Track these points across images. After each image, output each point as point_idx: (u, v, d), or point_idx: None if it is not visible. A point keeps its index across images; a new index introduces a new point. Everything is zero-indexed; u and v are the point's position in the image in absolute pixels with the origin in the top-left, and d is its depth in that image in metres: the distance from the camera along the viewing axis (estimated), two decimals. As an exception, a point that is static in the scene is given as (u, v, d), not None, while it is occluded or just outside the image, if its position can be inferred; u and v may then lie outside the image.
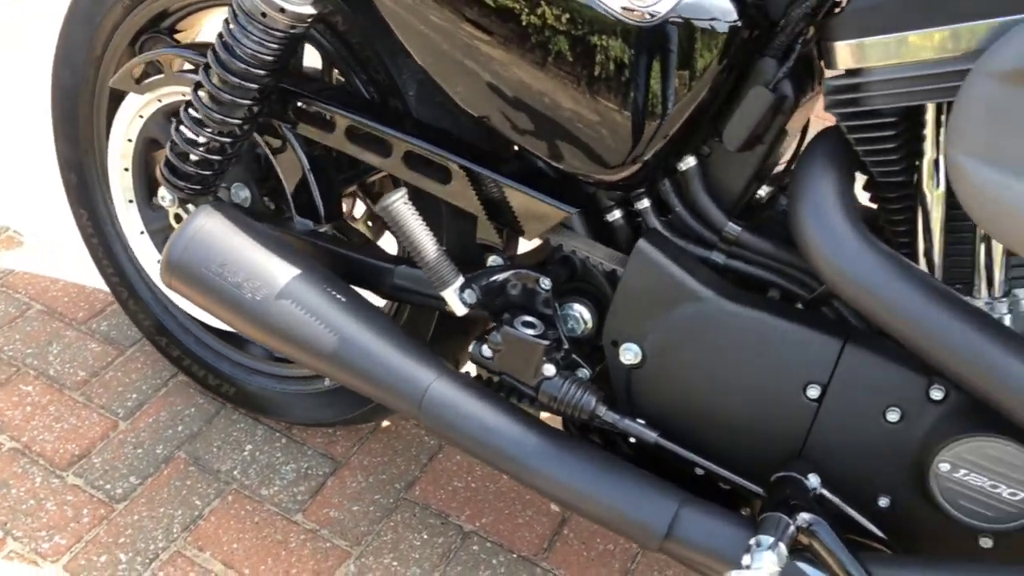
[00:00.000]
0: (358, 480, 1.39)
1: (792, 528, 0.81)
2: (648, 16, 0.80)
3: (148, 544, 1.29)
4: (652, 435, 0.94)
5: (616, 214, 0.98)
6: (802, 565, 0.80)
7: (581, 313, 1.01)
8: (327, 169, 1.11)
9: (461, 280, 0.96)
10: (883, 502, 0.88)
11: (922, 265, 0.86)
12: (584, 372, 1.00)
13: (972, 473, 0.80)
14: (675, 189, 0.94)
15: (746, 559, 0.78)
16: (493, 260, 1.02)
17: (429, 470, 1.42)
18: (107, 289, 1.56)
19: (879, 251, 0.81)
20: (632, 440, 0.99)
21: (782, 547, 0.79)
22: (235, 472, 1.39)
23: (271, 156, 1.14)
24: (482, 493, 1.39)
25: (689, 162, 0.92)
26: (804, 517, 0.82)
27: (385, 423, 1.48)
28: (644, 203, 0.95)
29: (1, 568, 1.24)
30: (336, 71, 1.15)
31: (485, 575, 1.27)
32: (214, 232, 1.00)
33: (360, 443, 1.45)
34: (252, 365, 1.40)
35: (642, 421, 0.95)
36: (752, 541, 0.80)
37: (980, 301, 0.84)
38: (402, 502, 1.37)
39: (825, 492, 0.87)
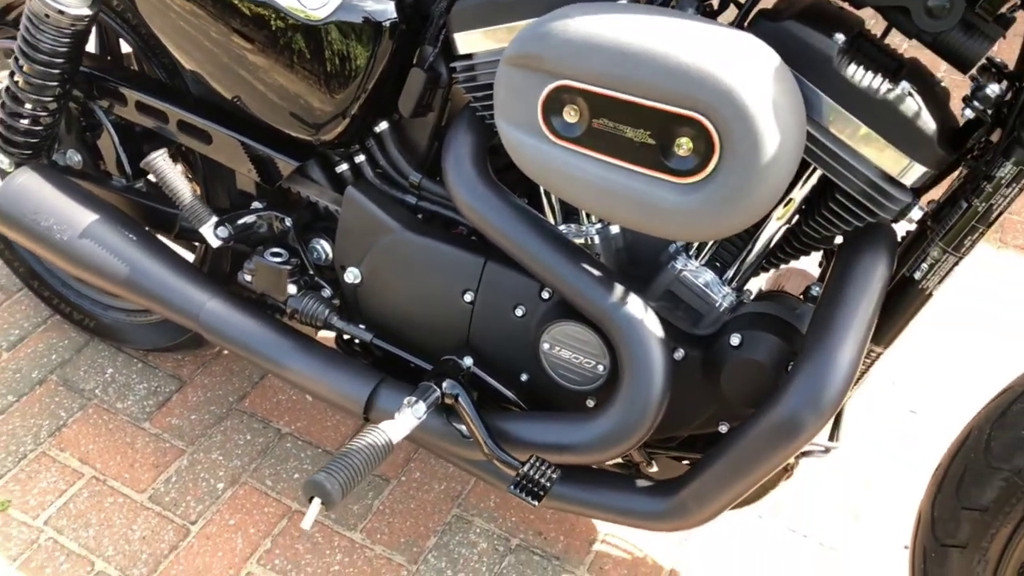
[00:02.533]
0: (198, 395, 1.68)
1: (437, 393, 1.10)
2: (313, 17, 1.07)
3: (19, 447, 1.58)
4: (368, 336, 1.23)
5: (343, 167, 1.25)
6: (434, 416, 1.10)
7: (323, 246, 1.29)
8: (132, 136, 1.38)
9: (215, 219, 1.24)
10: (524, 377, 1.17)
11: (544, 203, 1.14)
12: (326, 292, 1.29)
13: (563, 349, 1.10)
14: (378, 147, 1.21)
15: (396, 415, 1.07)
16: (255, 205, 1.30)
17: (259, 387, 1.71)
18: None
19: (496, 194, 1.08)
20: (357, 342, 1.27)
21: (420, 405, 1.08)
22: (96, 390, 1.68)
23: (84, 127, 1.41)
24: (301, 404, 1.67)
25: (383, 126, 1.19)
26: (447, 384, 1.11)
27: (224, 350, 1.77)
28: (360, 158, 1.23)
29: None
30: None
31: (293, 465, 1.57)
32: (29, 186, 1.27)
33: (203, 366, 1.74)
34: (106, 302, 1.68)
35: (363, 326, 1.24)
36: (404, 401, 1.09)
37: (591, 227, 1.11)
38: (233, 411, 1.66)
39: (476, 370, 1.16)
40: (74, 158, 1.46)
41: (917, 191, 0.92)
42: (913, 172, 0.89)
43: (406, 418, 1.07)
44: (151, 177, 1.45)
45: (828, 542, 1.47)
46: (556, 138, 0.93)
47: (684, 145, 0.86)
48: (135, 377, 1.71)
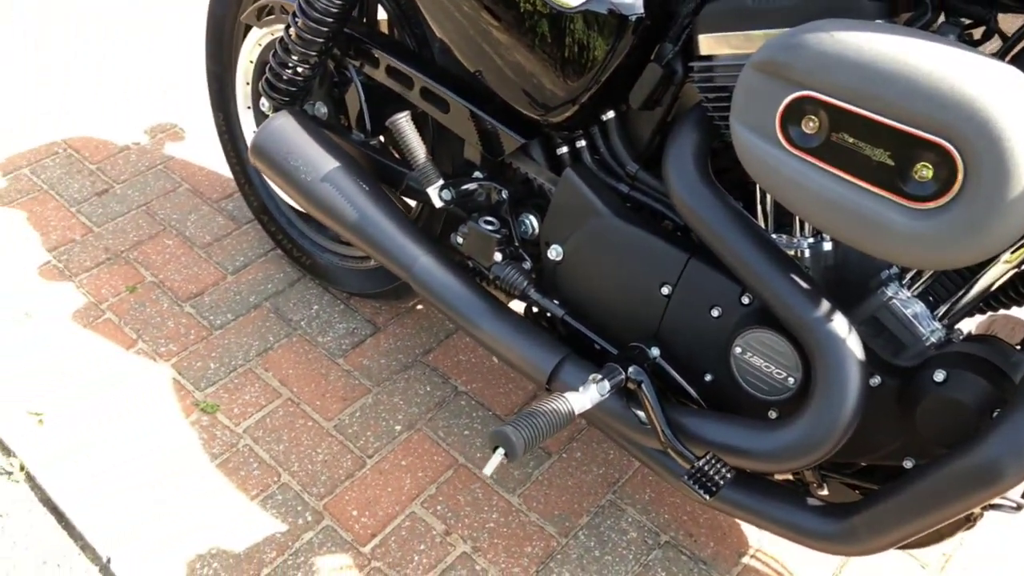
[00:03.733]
0: (390, 342, 1.81)
1: (622, 376, 1.14)
2: (567, 5, 1.13)
3: (230, 360, 1.76)
4: (560, 312, 1.29)
5: (563, 149, 1.31)
6: (614, 398, 1.14)
7: (531, 221, 1.36)
8: (377, 97, 1.51)
9: (441, 182, 1.33)
10: (708, 377, 1.19)
11: (759, 209, 1.15)
12: (527, 265, 1.36)
13: (755, 356, 1.10)
14: (600, 134, 1.26)
15: (580, 389, 1.13)
16: (476, 175, 1.39)
17: (444, 344, 1.82)
18: (233, 177, 2.05)
19: (714, 193, 1.10)
20: (548, 315, 1.33)
21: (605, 383, 1.12)
22: (302, 323, 1.85)
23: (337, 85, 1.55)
24: (479, 367, 1.77)
25: (610, 115, 1.24)
26: (633, 370, 1.15)
27: (419, 306, 1.89)
28: (581, 143, 1.29)
29: (131, 358, 1.75)
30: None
31: (464, 422, 1.66)
32: (285, 128, 1.42)
33: (397, 317, 1.87)
34: (324, 244, 1.84)
35: (557, 302, 1.30)
36: (590, 377, 1.14)
37: (804, 240, 1.11)
38: (418, 363, 1.77)
39: (662, 361, 1.19)
40: (321, 110, 1.61)
41: None
42: None
43: (591, 393, 1.12)
44: (382, 139, 1.58)
45: (995, 610, 1.39)
46: (790, 146, 0.94)
47: (924, 170, 0.85)
48: (336, 317, 1.86)
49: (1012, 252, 0.96)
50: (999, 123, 0.80)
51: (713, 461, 1.06)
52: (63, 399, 1.67)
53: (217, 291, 1.90)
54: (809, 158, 0.93)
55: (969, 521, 1.11)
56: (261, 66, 1.69)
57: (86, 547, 1.46)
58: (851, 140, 0.89)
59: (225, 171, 2.20)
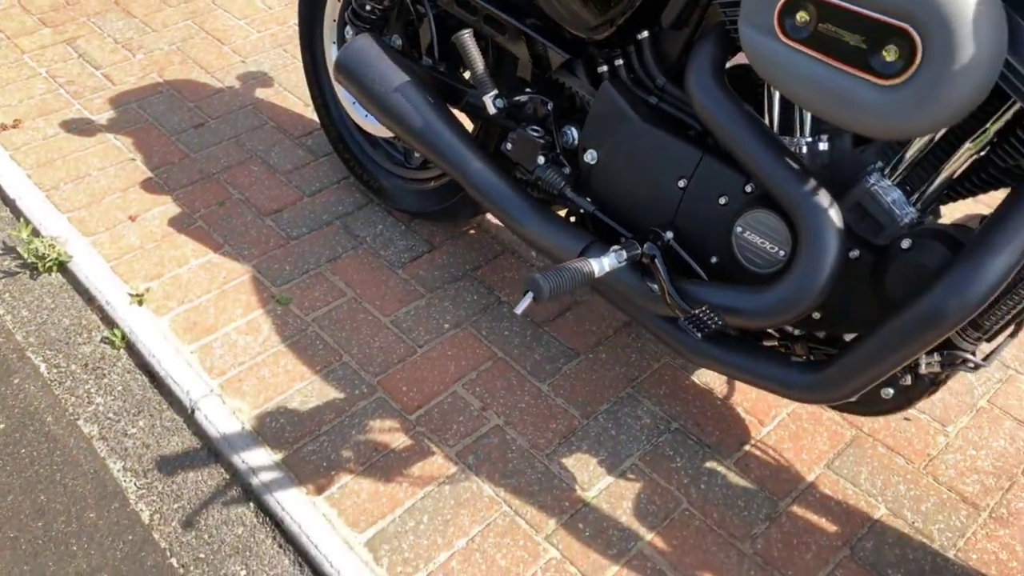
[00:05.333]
0: (443, 259, 2.03)
1: (638, 250, 1.34)
2: (610, -69, 1.34)
3: (304, 264, 2.00)
4: (592, 207, 1.49)
5: (603, 68, 1.51)
6: (631, 271, 1.33)
7: (573, 132, 1.56)
8: (445, 28, 1.73)
9: (496, 92, 1.55)
10: (713, 260, 1.37)
11: (766, 111, 1.33)
12: (566, 170, 1.56)
13: (753, 233, 1.28)
14: (636, 52, 1.46)
15: (602, 257, 1.32)
16: (527, 90, 1.60)
17: (492, 262, 2.02)
18: (317, 119, 2.29)
19: (728, 98, 1.29)
20: (582, 212, 1.53)
21: (623, 253, 1.31)
22: (367, 238, 2.08)
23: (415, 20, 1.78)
24: (521, 281, 1.97)
25: (644, 34, 1.44)
26: (647, 246, 1.34)
27: (471, 231, 2.10)
28: (619, 61, 1.48)
29: (218, 258, 2.01)
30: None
31: (505, 325, 1.86)
32: (364, 47, 1.66)
33: (451, 239, 2.08)
34: (391, 169, 2.08)
35: (589, 199, 1.50)
36: (611, 248, 1.33)
37: (803, 139, 1.29)
38: (467, 276, 1.99)
39: (674, 244, 1.38)
40: (396, 41, 1.84)
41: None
42: (1103, 109, 1.00)
43: (609, 259, 1.31)
44: (446, 67, 1.81)
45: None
46: (786, 38, 1.12)
47: (891, 51, 1.03)
48: (398, 235, 2.09)
49: (971, 141, 1.13)
50: (949, 9, 0.98)
51: (707, 311, 1.25)
52: (157, 285, 1.93)
53: (295, 209, 2.15)
54: (801, 47, 1.11)
55: (934, 385, 1.26)
56: (347, 4, 1.94)
57: (175, 401, 1.71)
58: (834, 29, 1.07)
59: (306, 112, 2.45)
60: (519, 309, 1.25)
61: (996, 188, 1.17)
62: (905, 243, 1.17)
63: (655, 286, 1.35)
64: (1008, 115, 1.09)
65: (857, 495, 1.55)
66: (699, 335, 1.24)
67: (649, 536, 1.48)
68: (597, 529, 1.49)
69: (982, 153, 1.14)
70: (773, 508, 1.53)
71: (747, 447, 1.62)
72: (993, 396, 1.72)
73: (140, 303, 1.89)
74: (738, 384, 1.74)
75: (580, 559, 1.45)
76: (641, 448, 1.62)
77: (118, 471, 1.61)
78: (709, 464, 1.59)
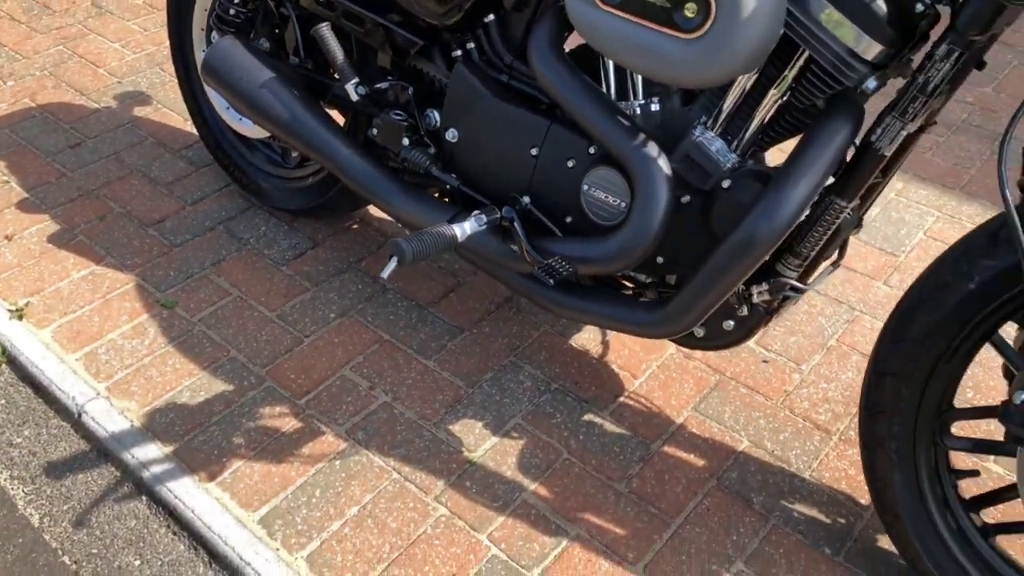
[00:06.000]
0: (328, 253, 2.08)
1: (497, 214, 1.43)
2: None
3: (188, 269, 2.03)
4: (456, 182, 1.58)
5: (458, 52, 1.61)
6: (493, 235, 1.42)
7: (434, 115, 1.65)
8: (309, 27, 1.81)
9: (357, 80, 1.63)
10: (568, 220, 1.47)
11: (603, 83, 1.45)
12: (431, 150, 1.64)
13: (598, 190, 1.40)
14: (484, 35, 1.56)
15: (463, 222, 1.41)
16: (388, 78, 1.69)
17: (376, 254, 2.09)
18: (195, 131, 2.32)
19: (567, 68, 1.40)
20: (448, 188, 1.62)
21: (483, 216, 1.41)
22: (251, 240, 2.12)
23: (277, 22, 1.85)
24: (408, 271, 2.04)
25: (490, 17, 1.54)
26: (505, 209, 1.43)
27: (354, 225, 2.17)
28: (471, 44, 1.58)
29: (100, 269, 2.01)
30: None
31: (390, 310, 1.93)
32: (229, 48, 1.72)
33: (335, 234, 2.14)
34: (268, 170, 2.13)
35: (454, 175, 1.59)
36: (472, 213, 1.42)
37: (636, 103, 1.41)
38: (352, 268, 2.05)
39: (531, 207, 1.48)
40: (264, 44, 1.90)
41: (876, 65, 1.16)
42: (871, 48, 1.14)
43: (470, 223, 1.41)
44: (312, 63, 1.88)
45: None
46: (604, 5, 1.24)
47: (691, 8, 1.16)
48: (281, 235, 2.13)
49: (775, 88, 1.26)
50: (733, -34, 1.11)
51: (559, 260, 1.35)
52: (37, 300, 1.92)
53: (177, 218, 2.17)
54: (617, 12, 1.23)
55: (768, 314, 1.39)
56: (212, 10, 1.99)
57: (61, 408, 1.71)
58: (642, -7, 1.20)
59: (186, 127, 2.48)
60: (385, 273, 1.32)
61: (802, 130, 1.31)
62: (726, 184, 1.30)
63: (516, 247, 1.44)
64: (800, 61, 1.23)
65: (722, 432, 1.67)
66: (551, 282, 1.34)
67: (533, 486, 1.57)
68: (483, 485, 1.57)
69: (785, 98, 1.28)
70: (646, 450, 1.63)
71: (621, 399, 1.73)
72: (841, 335, 1.88)
73: (20, 317, 1.88)
74: (612, 343, 1.85)
75: (467, 513, 1.52)
76: (523, 409, 1.71)
77: (4, 480, 1.60)
78: (587, 417, 1.69)
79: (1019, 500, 1.24)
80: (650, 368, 1.80)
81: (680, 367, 1.80)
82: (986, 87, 2.75)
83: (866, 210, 1.41)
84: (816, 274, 1.40)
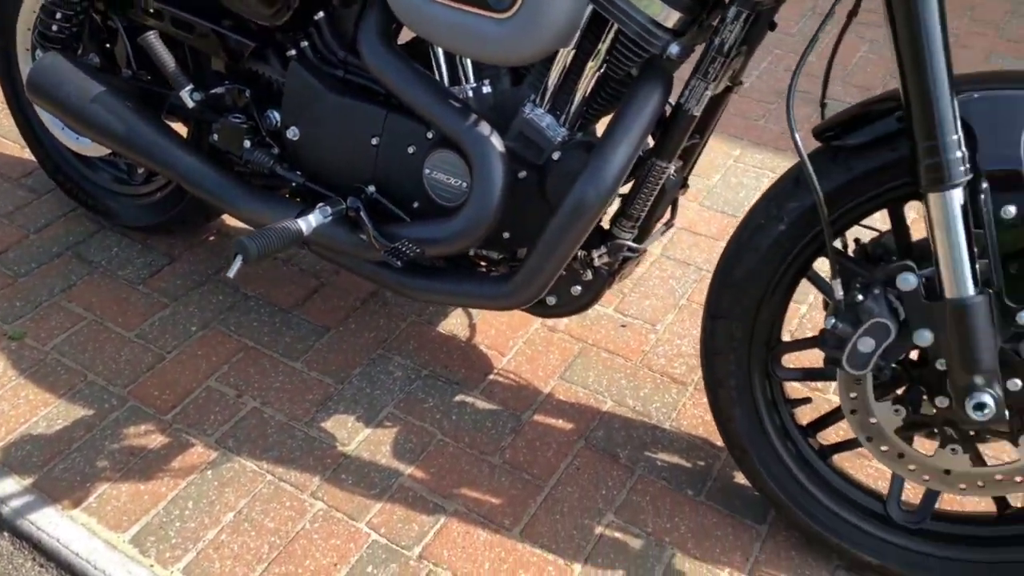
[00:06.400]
0: (184, 268, 2.05)
1: (342, 205, 1.46)
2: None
3: (36, 298, 1.95)
4: (301, 179, 1.59)
5: (292, 52, 1.62)
6: (341, 226, 1.45)
7: (275, 115, 1.66)
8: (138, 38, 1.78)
9: (191, 86, 1.61)
10: (415, 205, 1.51)
11: (435, 70, 1.49)
12: (275, 150, 1.65)
13: (439, 172, 1.44)
14: (316, 32, 1.58)
15: (309, 215, 1.43)
16: (225, 82, 1.68)
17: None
18: (33, 157, 2.23)
19: (398, 57, 1.44)
20: (294, 186, 1.63)
21: (327, 208, 1.43)
22: (102, 262, 2.05)
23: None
24: (265, 276, 2.03)
25: (320, 15, 1.56)
26: (350, 200, 1.46)
27: (211, 237, 2.14)
28: (304, 43, 1.60)
29: (-61, 306, 1.91)
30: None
31: (253, 317, 1.92)
32: (54, 64, 1.67)
33: (192, 248, 2.11)
34: (115, 189, 2.07)
35: (299, 172, 1.60)
36: (317, 206, 1.44)
37: (468, 87, 1.46)
38: (210, 280, 2.02)
39: (377, 196, 1.51)
40: (94, 60, 1.86)
41: (678, 32, 1.25)
42: (670, 16, 1.23)
43: (315, 216, 1.43)
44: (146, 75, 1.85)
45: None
46: (418, -8, 1.29)
47: (500, -11, 1.22)
48: (135, 254, 2.08)
49: (592, 60, 1.34)
50: (534, -54, 1.18)
51: (406, 243, 1.39)
52: None
53: (20, 247, 2.08)
54: (433, -2, 1.28)
55: (611, 276, 1.47)
56: (35, 28, 1.92)
57: (-97, 454, 1.62)
58: (454, -22, 1.25)
59: (25, 154, 2.38)
60: (231, 273, 1.32)
61: (619, 98, 1.40)
62: (556, 155, 1.36)
63: (364, 235, 1.47)
64: (611, 34, 1.31)
65: (587, 395, 1.75)
66: (399, 264, 1.38)
67: (409, 470, 1.59)
68: (359, 476, 1.58)
69: (602, 71, 1.36)
70: (517, 422, 1.69)
71: (491, 376, 1.78)
72: (691, 294, 1.99)
73: None
74: (478, 325, 1.90)
75: (345, 504, 1.53)
76: (395, 398, 1.73)
77: None
78: (458, 398, 1.74)
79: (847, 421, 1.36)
80: (517, 344, 1.86)
81: (545, 340, 1.87)
82: (811, 57, 2.95)
83: (689, 171, 1.51)
84: (651, 235, 1.49)
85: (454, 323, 1.91)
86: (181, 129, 1.88)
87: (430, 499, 1.55)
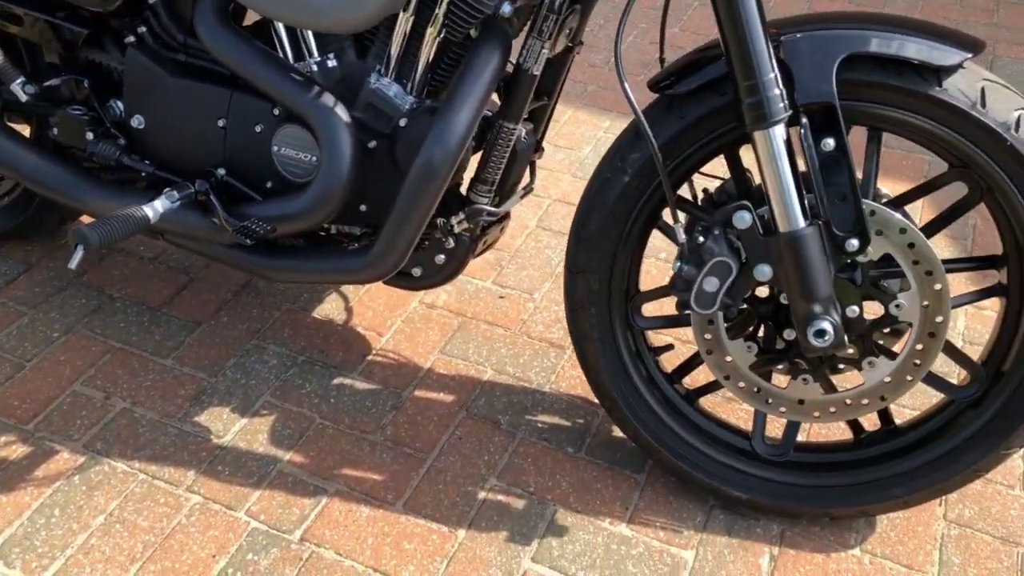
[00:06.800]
0: (44, 274, 1.96)
1: (191, 189, 1.42)
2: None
3: None
4: (151, 168, 1.54)
5: (131, 38, 1.57)
6: (191, 211, 1.41)
7: (118, 105, 1.60)
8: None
9: (22, 78, 1.54)
10: (269, 184, 1.49)
11: (278, 46, 1.47)
12: (121, 141, 1.59)
13: (288, 148, 1.42)
14: (153, 17, 1.54)
15: (155, 201, 1.39)
16: (63, 74, 1.61)
17: (99, 266, 1.98)
18: None
19: (236, 36, 1.41)
20: (144, 175, 1.58)
21: (175, 193, 1.40)
22: (-47, 275, 1.95)
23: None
24: (132, 276, 1.96)
25: (154, -1, 1.52)
26: (198, 183, 1.43)
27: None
28: (142, 29, 1.55)
29: None
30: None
31: (119, 319, 1.85)
32: None
33: (50, 254, 2.01)
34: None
35: (147, 161, 1.55)
36: (164, 192, 1.40)
37: (312, 61, 1.44)
38: (73, 284, 1.94)
39: (229, 178, 1.48)
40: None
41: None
42: (496, -23, 1.25)
43: (161, 201, 1.39)
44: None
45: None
46: (247, -34, 1.27)
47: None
48: (-12, 264, 1.98)
49: (431, 27, 1.34)
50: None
51: (257, 221, 1.36)
52: None
53: None
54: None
55: (475, 242, 1.48)
56: None
57: None
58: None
59: None
60: (72, 264, 1.27)
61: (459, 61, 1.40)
62: (403, 122, 1.36)
63: (216, 219, 1.44)
64: (444, 3, 1.32)
65: (468, 367, 1.75)
66: (249, 242, 1.35)
67: (287, 456, 1.57)
68: (236, 466, 1.55)
69: (442, 35, 1.36)
70: (397, 399, 1.68)
71: (370, 357, 1.77)
72: (567, 261, 2.03)
73: None
74: (355, 308, 1.88)
75: (222, 495, 1.50)
76: (271, 386, 1.70)
77: None
78: (336, 381, 1.72)
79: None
80: (395, 324, 1.85)
81: (424, 317, 1.87)
82: (672, 28, 3.04)
83: (542, 134, 1.54)
84: (511, 199, 1.50)
85: (330, 308, 1.88)
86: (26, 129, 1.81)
87: (310, 482, 1.53)
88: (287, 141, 1.42)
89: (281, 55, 1.46)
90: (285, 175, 1.44)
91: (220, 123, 1.48)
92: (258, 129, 1.46)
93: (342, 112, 1.35)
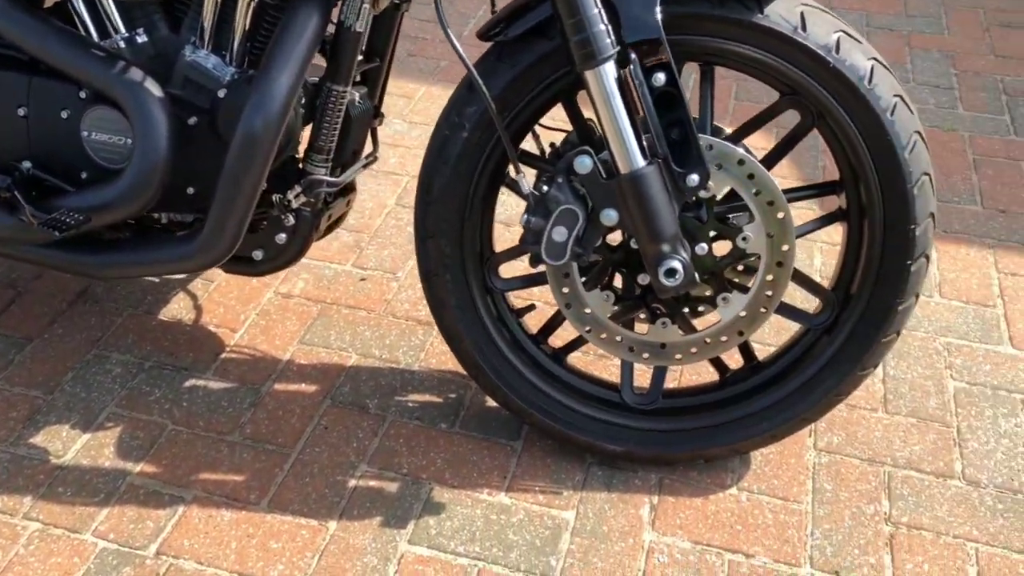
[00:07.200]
0: None
1: (8, 182, 1.29)
2: None
3: None
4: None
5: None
6: None
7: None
8: None
9: None
10: (84, 174, 1.36)
11: (79, 23, 1.34)
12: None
13: (99, 133, 1.31)
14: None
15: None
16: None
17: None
18: None
19: (29, 13, 1.28)
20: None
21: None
22: None
23: None
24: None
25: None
26: (2, 179, 1.29)
27: None
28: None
29: None
30: None
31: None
32: None
33: None
34: None
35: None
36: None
37: (119, 38, 1.33)
38: None
39: (37, 171, 1.35)
40: None
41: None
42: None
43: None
44: None
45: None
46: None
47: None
48: None
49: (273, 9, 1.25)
50: None
51: (66, 212, 1.25)
52: None
53: None
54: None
55: (318, 217, 1.40)
56: None
57: None
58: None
59: None
60: None
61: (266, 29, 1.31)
62: (221, 93, 1.27)
63: (24, 216, 1.30)
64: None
65: (330, 354, 1.67)
66: (58, 234, 1.23)
67: (138, 468, 1.45)
68: (79, 485, 1.42)
69: (256, 1, 1.28)
70: (256, 395, 1.59)
71: (223, 355, 1.66)
72: (428, 238, 1.97)
73: None
74: (205, 305, 1.77)
75: (64, 519, 1.36)
76: (116, 396, 1.57)
77: None
78: (188, 383, 1.60)
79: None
80: (249, 317, 1.74)
81: (280, 308, 1.77)
82: None
83: (380, 100, 1.47)
84: (352, 168, 1.43)
85: (177, 308, 1.76)
86: None
87: (165, 492, 1.41)
88: (97, 125, 1.30)
89: (85, 35, 1.35)
90: (100, 162, 1.32)
91: (21, 112, 1.34)
92: (64, 115, 1.33)
93: (153, 87, 1.25)
